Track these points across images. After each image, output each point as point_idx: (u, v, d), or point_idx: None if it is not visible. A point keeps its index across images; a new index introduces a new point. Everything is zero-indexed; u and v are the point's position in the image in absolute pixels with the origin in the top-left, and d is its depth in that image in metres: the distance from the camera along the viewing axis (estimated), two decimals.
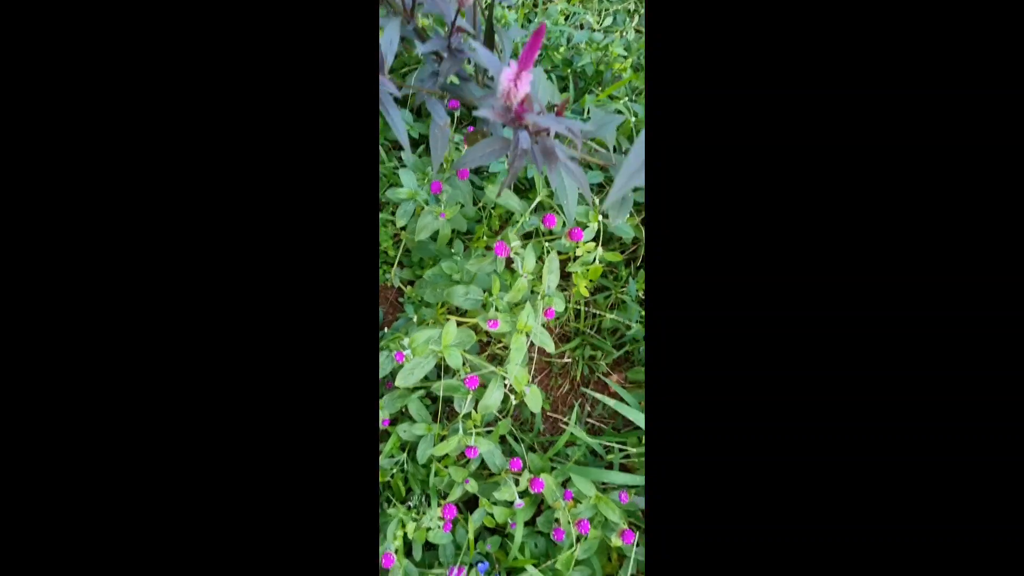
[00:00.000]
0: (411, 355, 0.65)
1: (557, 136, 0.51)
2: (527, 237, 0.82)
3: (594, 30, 1.01)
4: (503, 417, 0.82)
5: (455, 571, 0.69)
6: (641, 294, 0.96)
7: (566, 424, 0.89)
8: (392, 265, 0.90)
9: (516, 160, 0.44)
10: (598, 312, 0.98)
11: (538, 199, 0.69)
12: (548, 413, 0.95)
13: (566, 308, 0.96)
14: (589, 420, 0.96)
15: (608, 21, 1.04)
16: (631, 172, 0.37)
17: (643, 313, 0.96)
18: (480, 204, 0.86)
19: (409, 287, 0.90)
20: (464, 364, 0.69)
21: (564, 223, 0.70)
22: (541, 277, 0.71)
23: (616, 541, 0.70)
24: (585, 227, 0.79)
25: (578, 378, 0.97)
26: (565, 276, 0.97)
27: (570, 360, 0.98)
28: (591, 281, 0.94)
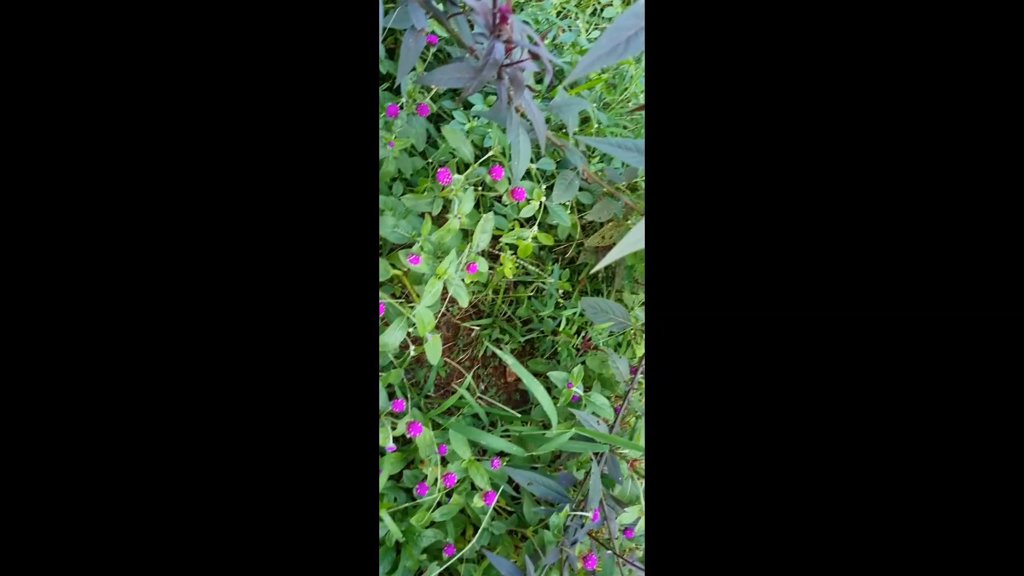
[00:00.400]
0: None
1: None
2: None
3: (580, 35, 1.05)
4: (397, 366, 0.81)
5: None
6: (562, 290, 0.98)
7: (456, 388, 0.88)
8: None
9: (485, 70, 0.44)
10: (516, 299, 0.99)
11: (490, 153, 0.70)
12: (440, 381, 0.94)
13: (486, 284, 0.97)
14: (481, 398, 0.95)
15: (596, 34, 1.09)
16: (599, 55, 0.38)
17: (556, 305, 0.98)
18: (429, 159, 0.85)
19: None
20: None
21: (510, 180, 0.71)
22: (472, 234, 0.71)
23: (477, 502, 0.69)
24: (528, 202, 0.80)
25: (479, 356, 0.97)
26: (493, 257, 0.98)
27: (476, 337, 0.98)
28: (516, 263, 0.96)
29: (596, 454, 0.73)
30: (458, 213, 0.67)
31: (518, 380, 0.99)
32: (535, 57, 0.45)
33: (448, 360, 0.96)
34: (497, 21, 0.41)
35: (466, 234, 0.78)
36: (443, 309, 0.96)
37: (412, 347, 0.77)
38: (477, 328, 0.97)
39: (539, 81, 0.92)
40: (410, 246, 0.72)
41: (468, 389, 0.85)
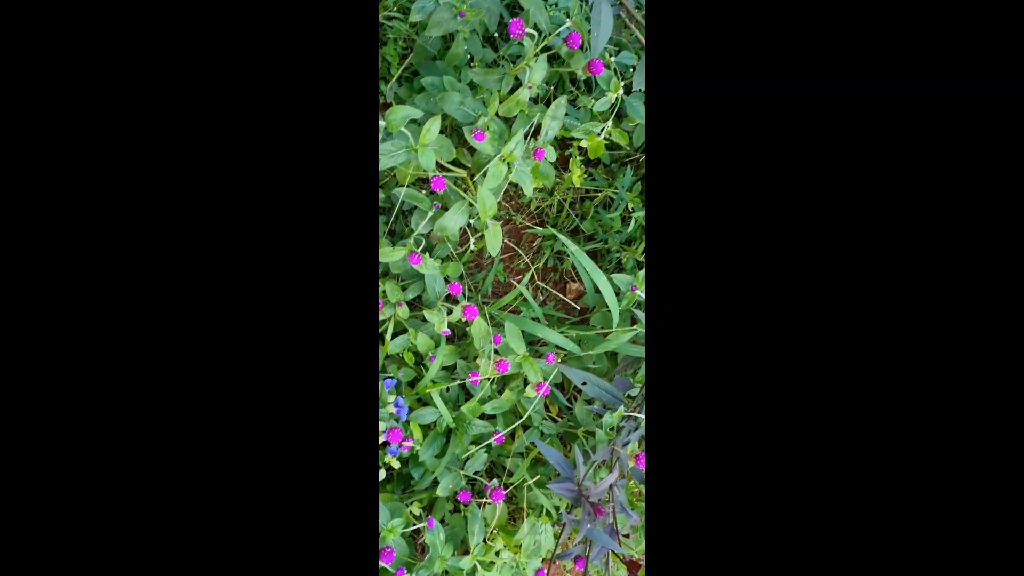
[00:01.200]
0: (383, 136, 0.61)
1: None
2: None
3: None
4: (456, 259, 0.79)
5: None
6: (631, 203, 0.93)
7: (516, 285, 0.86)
8: (390, 81, 0.85)
9: None
10: (582, 212, 0.94)
11: (567, 23, 0.64)
12: (497, 287, 0.92)
13: (552, 191, 0.92)
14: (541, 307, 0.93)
15: None
16: None
17: (624, 219, 0.93)
18: (500, 52, 0.81)
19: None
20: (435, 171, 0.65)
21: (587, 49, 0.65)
22: (540, 127, 0.66)
23: (530, 392, 0.68)
24: (603, 94, 0.75)
25: (540, 268, 0.94)
26: (562, 162, 0.93)
27: (538, 247, 0.94)
28: (585, 170, 0.90)
29: None
30: (529, 82, 0.63)
31: (578, 296, 0.95)
32: None
33: (508, 267, 0.93)
34: None
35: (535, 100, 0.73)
36: (505, 216, 0.93)
37: (472, 241, 0.76)
38: (540, 237, 0.93)
39: None
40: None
41: (527, 288, 0.83)
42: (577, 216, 0.95)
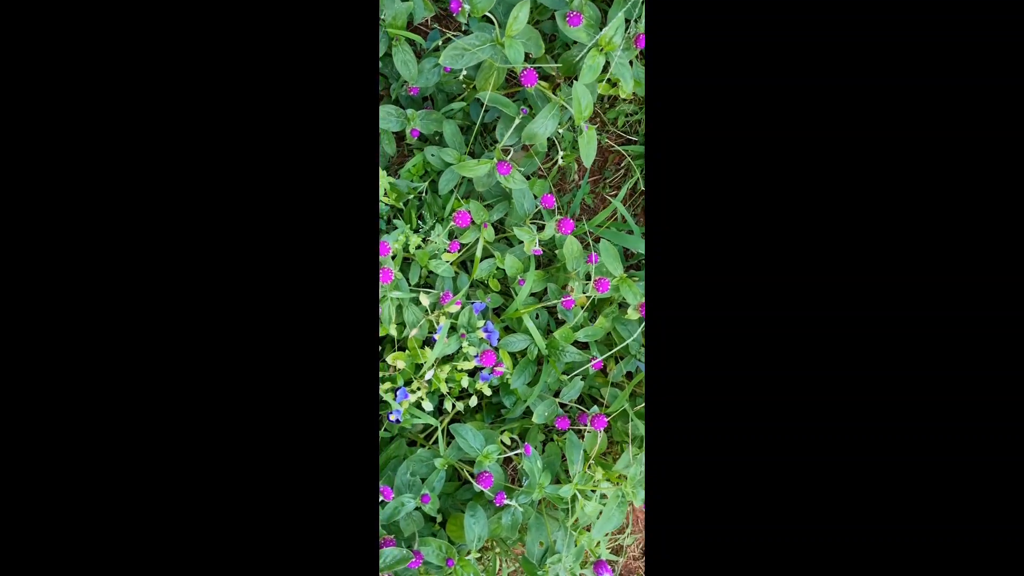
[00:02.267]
0: (468, 12, 0.54)
1: None
2: None
3: None
4: (544, 175, 0.73)
5: (448, 295, 0.62)
6: None
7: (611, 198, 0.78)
8: None
9: None
10: None
11: None
12: (585, 207, 0.85)
13: (643, 106, 0.83)
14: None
15: None
16: None
17: None
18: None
19: None
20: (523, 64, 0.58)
21: None
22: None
23: (633, 314, 0.62)
24: None
25: (629, 190, 0.86)
26: None
27: (627, 166, 0.86)
28: None
29: None
30: None
31: None
32: None
33: (593, 191, 0.86)
34: None
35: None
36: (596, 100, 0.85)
37: (560, 156, 0.69)
38: (628, 156, 0.85)
39: None
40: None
41: (622, 201, 0.75)
42: None
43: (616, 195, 0.86)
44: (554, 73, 0.70)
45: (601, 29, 0.57)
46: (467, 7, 0.54)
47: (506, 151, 0.65)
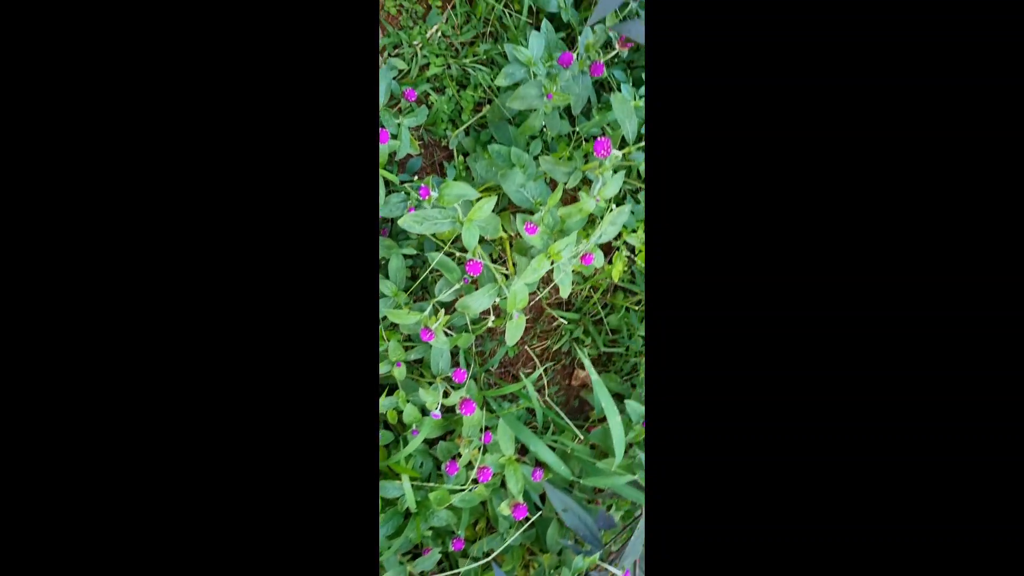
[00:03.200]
0: (433, 202, 0.56)
1: None
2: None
3: None
4: (470, 331, 0.74)
5: None
6: None
7: (525, 375, 0.81)
8: (459, 127, 0.81)
9: None
10: (612, 304, 0.89)
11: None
12: (506, 360, 0.87)
13: (587, 277, 0.88)
14: (542, 398, 0.88)
15: None
16: None
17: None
18: (576, 128, 0.76)
19: (462, 158, 0.81)
20: (476, 249, 0.61)
21: None
22: (599, 220, 0.62)
23: (504, 509, 0.63)
24: None
25: (552, 349, 0.89)
26: (605, 250, 0.89)
27: (557, 327, 0.90)
28: (628, 268, 0.86)
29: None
30: (598, 194, 0.58)
31: (583, 386, 0.90)
32: None
33: (523, 341, 0.89)
34: None
35: (591, 220, 0.69)
36: (535, 289, 0.88)
37: (492, 318, 0.71)
38: (563, 321, 0.89)
39: None
40: (529, 212, 0.64)
41: (532, 381, 0.78)
42: (605, 307, 0.90)
43: (544, 347, 0.89)
44: (511, 235, 0.73)
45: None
46: (434, 194, 0.56)
47: (442, 305, 0.66)
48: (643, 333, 0.88)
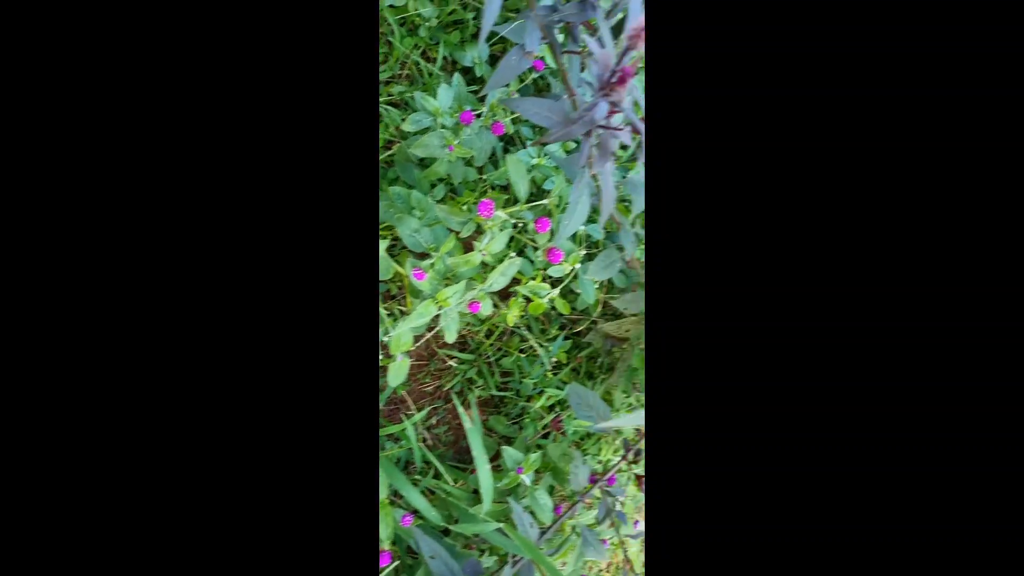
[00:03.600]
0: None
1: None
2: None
3: None
4: None
5: None
6: (555, 360, 0.91)
7: (406, 415, 0.80)
8: None
9: (577, 126, 0.38)
10: (506, 347, 0.92)
11: (545, 201, 0.63)
12: (395, 397, 0.87)
13: (483, 321, 0.90)
14: (427, 436, 0.88)
15: None
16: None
17: (546, 378, 0.91)
18: (483, 175, 0.79)
19: None
20: None
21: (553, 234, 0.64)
22: (491, 268, 0.64)
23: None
24: (560, 263, 0.74)
25: (444, 388, 0.90)
26: (504, 295, 0.91)
27: (449, 368, 0.90)
28: (523, 314, 0.89)
29: (514, 556, 0.64)
30: (484, 248, 0.61)
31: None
32: (636, 132, 0.39)
33: (414, 378, 0.88)
34: (613, 80, 0.35)
35: (485, 266, 0.71)
36: (428, 331, 0.89)
37: (379, 355, 0.70)
38: (454, 362, 0.89)
39: (624, 148, 0.86)
40: (424, 256, 0.65)
41: (416, 425, 0.78)
42: (499, 350, 0.92)
43: (437, 386, 0.89)
44: (403, 274, 0.73)
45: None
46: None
47: None
48: (534, 378, 0.90)
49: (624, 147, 0.83)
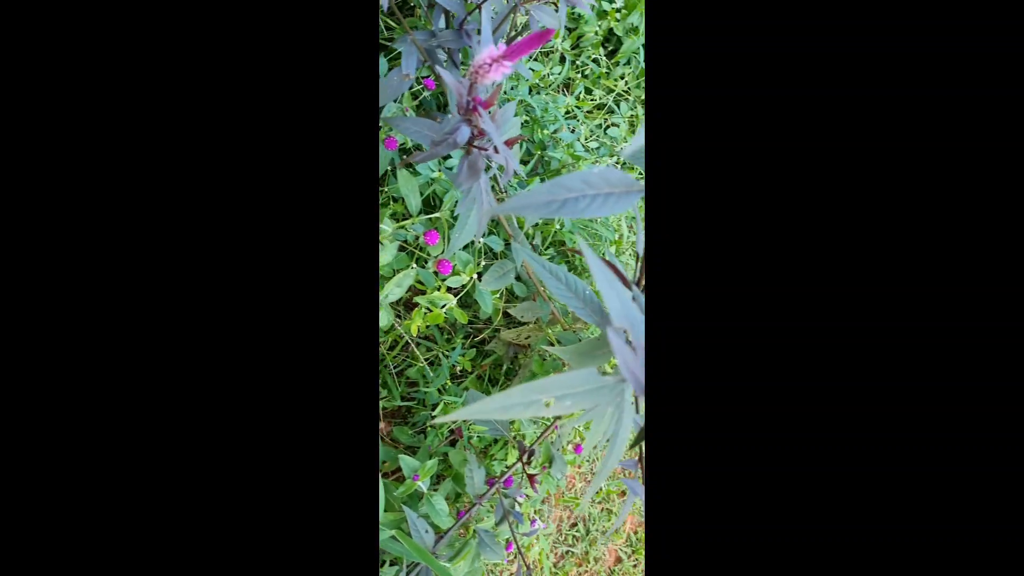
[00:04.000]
0: None
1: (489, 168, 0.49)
2: (402, 249, 0.77)
3: (578, 140, 1.06)
4: None
5: None
6: (460, 368, 0.93)
7: None
8: None
9: (442, 146, 0.41)
10: (410, 357, 0.93)
11: (437, 214, 0.66)
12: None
13: (387, 331, 0.90)
14: None
15: (593, 144, 1.10)
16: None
17: (448, 386, 0.93)
18: (384, 187, 0.81)
19: None
20: None
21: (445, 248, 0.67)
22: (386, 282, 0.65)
23: None
24: (457, 274, 0.76)
25: None
26: (409, 306, 0.93)
27: None
28: (426, 327, 0.90)
29: (412, 563, 0.65)
30: None
31: (381, 436, 0.91)
32: (496, 151, 0.42)
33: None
34: (469, 108, 0.38)
35: (381, 278, 0.72)
36: None
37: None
38: None
39: (502, 171, 0.90)
40: None
41: None
42: (404, 360, 0.93)
43: None
44: None
45: None
46: None
47: None
48: (437, 386, 0.92)
49: (497, 176, 0.87)
